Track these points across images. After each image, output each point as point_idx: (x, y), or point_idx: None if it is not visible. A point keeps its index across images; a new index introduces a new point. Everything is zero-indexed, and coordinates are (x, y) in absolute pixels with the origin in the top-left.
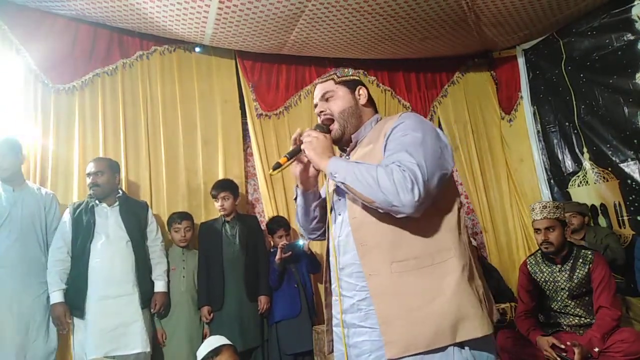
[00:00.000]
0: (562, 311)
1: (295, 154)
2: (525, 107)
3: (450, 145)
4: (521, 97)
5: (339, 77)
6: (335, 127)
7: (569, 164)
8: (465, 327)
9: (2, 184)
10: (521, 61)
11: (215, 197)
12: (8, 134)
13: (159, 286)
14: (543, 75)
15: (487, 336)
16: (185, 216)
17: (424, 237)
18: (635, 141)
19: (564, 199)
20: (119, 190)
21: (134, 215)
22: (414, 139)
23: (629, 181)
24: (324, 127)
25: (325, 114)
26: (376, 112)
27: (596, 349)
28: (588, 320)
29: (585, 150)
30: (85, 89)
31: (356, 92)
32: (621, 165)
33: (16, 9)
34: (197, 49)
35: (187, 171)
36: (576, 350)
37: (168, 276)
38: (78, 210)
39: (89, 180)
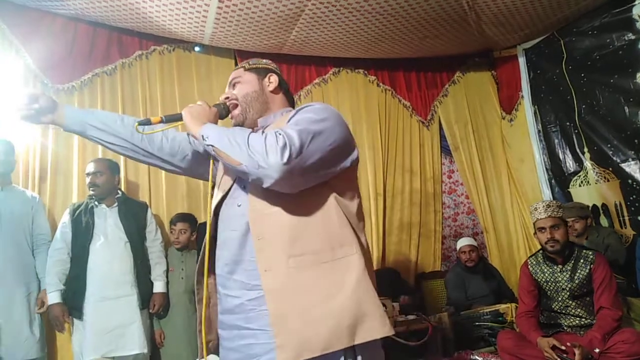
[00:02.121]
0: (563, 312)
1: (174, 119)
2: (526, 106)
3: (354, 148)
4: (522, 96)
5: (249, 65)
6: (236, 112)
7: (569, 163)
8: (365, 326)
9: None
10: (522, 60)
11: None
12: (4, 135)
13: (158, 287)
14: (544, 75)
15: (380, 342)
16: (181, 218)
17: (325, 232)
18: (636, 141)
19: (565, 199)
20: (119, 191)
21: (133, 216)
22: (310, 118)
23: (630, 181)
24: (221, 106)
25: (230, 100)
26: (291, 105)
27: (597, 350)
28: (589, 320)
29: (586, 150)
30: (84, 88)
31: (266, 78)
32: (622, 165)
33: (15, 9)
34: (197, 49)
35: None
36: (577, 351)
37: (167, 277)
38: (77, 212)
39: (88, 180)
